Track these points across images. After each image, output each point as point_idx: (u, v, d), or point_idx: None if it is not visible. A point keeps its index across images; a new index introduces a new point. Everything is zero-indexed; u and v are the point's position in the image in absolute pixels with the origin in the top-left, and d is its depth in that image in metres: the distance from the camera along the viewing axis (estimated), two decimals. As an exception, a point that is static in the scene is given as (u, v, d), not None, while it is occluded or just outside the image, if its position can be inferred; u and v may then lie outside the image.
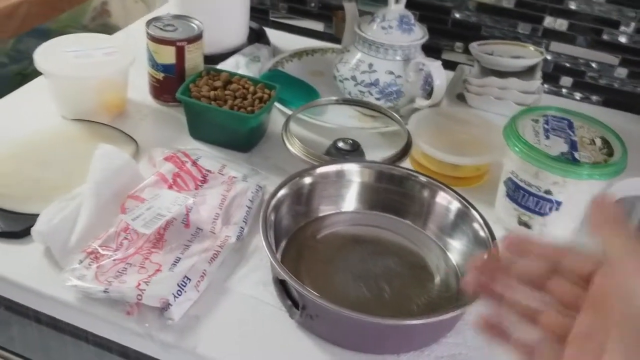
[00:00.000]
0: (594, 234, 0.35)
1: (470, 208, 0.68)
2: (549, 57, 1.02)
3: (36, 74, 0.88)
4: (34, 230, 0.66)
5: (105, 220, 0.69)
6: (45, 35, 1.58)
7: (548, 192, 0.69)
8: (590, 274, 0.38)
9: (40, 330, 0.71)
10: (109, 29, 1.61)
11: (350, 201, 0.73)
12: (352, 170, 0.72)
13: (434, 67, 0.85)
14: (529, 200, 0.71)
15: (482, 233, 0.66)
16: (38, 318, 0.70)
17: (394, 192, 0.72)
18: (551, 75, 1.03)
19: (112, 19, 1.70)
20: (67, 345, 0.71)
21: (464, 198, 0.69)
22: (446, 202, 0.70)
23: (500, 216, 0.76)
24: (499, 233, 0.75)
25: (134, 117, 0.90)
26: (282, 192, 0.67)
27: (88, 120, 0.85)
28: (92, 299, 0.62)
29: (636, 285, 0.32)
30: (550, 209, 0.70)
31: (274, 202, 0.65)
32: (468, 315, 0.63)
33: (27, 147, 0.80)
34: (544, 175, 0.68)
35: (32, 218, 0.67)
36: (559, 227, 0.72)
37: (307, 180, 0.70)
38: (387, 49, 0.88)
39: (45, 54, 0.84)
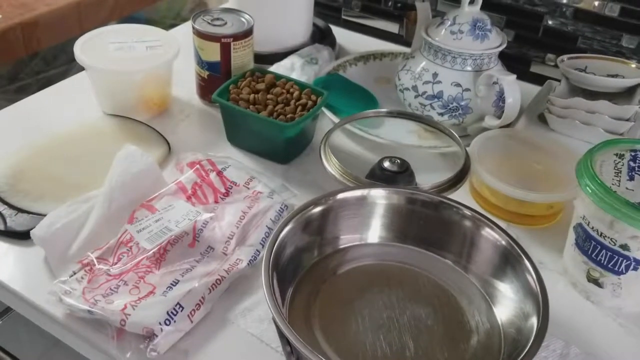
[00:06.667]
0: None
1: (523, 257, 0.55)
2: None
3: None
4: (33, 233, 0.61)
5: (113, 229, 0.63)
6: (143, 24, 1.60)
7: (625, 247, 0.55)
8: None
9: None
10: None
11: (378, 231, 0.63)
12: (379, 197, 0.62)
13: (507, 81, 0.73)
14: (600, 254, 0.57)
15: (535, 289, 0.54)
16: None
17: (431, 225, 0.61)
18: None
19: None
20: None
21: (516, 242, 0.56)
22: (494, 243, 0.58)
23: (567, 268, 0.63)
24: (562, 287, 0.63)
25: (175, 117, 0.84)
26: (288, 227, 0.57)
27: (125, 117, 0.80)
28: (79, 317, 0.56)
29: None
30: (627, 268, 0.56)
31: (282, 235, 0.56)
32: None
33: (58, 141, 0.76)
34: (620, 227, 0.55)
35: (41, 219, 0.63)
36: (638, 291, 0.58)
37: (325, 207, 0.60)
38: (455, 57, 0.76)
39: (86, 46, 0.80)
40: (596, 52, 0.89)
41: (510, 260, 0.56)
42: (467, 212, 0.59)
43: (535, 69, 0.96)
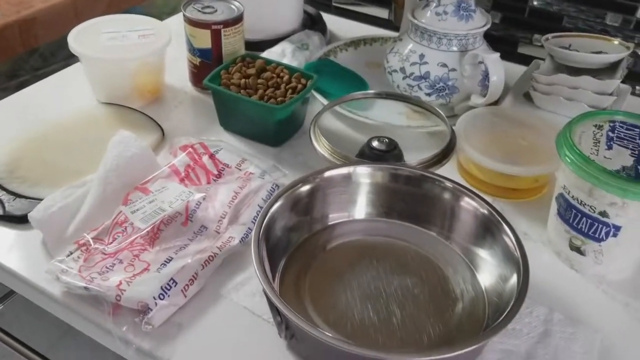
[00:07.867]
0: None
1: (502, 223, 0.57)
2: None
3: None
4: (30, 216, 0.63)
5: (108, 211, 0.65)
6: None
7: (604, 213, 0.57)
8: None
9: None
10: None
11: (365, 207, 0.65)
12: (364, 174, 0.63)
13: (491, 60, 0.75)
14: (581, 222, 0.59)
15: (515, 253, 0.55)
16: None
17: (415, 199, 0.63)
18: (643, 75, 0.89)
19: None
20: (67, 336, 0.69)
21: (494, 209, 0.58)
22: (473, 213, 0.59)
23: (551, 238, 0.65)
24: (547, 257, 0.65)
25: (169, 104, 0.86)
26: (278, 203, 0.59)
27: (118, 105, 0.82)
28: (76, 294, 0.58)
29: None
30: (607, 235, 0.58)
31: (272, 211, 0.58)
32: (488, 352, 0.54)
33: (53, 129, 0.78)
34: (598, 194, 0.56)
35: (39, 203, 0.65)
36: (618, 257, 0.60)
37: (313, 185, 0.62)
38: (441, 38, 0.78)
39: (79, 36, 0.81)
40: (581, 31, 0.90)
41: (489, 227, 0.58)
42: (448, 184, 0.61)
43: (522, 49, 0.97)
